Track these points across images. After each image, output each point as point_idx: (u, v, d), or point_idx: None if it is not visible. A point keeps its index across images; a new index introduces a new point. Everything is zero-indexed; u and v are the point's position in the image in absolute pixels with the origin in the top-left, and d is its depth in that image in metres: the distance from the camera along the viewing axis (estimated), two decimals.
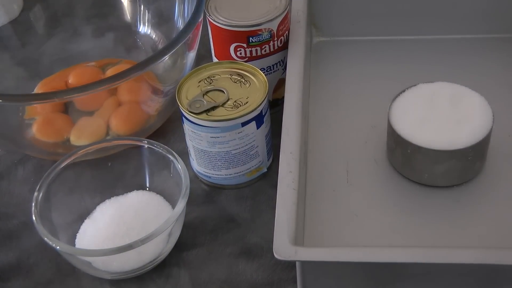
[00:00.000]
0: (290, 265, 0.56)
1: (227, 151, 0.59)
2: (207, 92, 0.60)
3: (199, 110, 0.58)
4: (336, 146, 0.64)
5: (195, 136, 0.59)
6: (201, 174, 0.63)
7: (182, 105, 0.59)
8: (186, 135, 0.61)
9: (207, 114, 0.58)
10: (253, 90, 0.60)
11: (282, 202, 0.50)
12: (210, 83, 0.61)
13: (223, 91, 0.60)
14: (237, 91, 0.60)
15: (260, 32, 0.63)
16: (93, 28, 0.81)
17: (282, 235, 0.48)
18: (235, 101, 0.59)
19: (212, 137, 0.58)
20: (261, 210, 0.61)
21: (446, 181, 0.59)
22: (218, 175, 0.62)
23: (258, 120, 0.59)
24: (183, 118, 0.60)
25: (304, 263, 0.49)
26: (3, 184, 0.66)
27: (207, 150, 0.60)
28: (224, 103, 0.59)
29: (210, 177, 0.63)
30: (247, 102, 0.59)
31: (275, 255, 0.47)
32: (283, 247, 0.47)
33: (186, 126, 0.60)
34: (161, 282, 0.56)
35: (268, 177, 0.64)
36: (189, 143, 0.61)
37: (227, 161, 0.60)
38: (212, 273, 0.56)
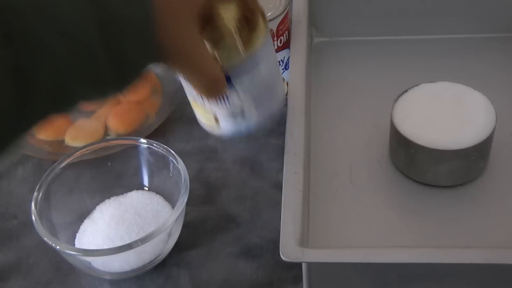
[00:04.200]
0: (289, 265, 0.55)
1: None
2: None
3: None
4: (338, 146, 0.64)
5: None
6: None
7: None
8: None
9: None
10: None
11: (288, 203, 0.50)
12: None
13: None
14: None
15: None
16: None
17: (289, 236, 0.47)
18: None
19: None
20: (260, 210, 0.61)
21: (449, 180, 0.59)
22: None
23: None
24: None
25: (310, 264, 0.48)
26: (3, 184, 0.66)
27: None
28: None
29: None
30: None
31: (282, 257, 0.46)
32: (290, 249, 0.46)
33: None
34: (161, 282, 0.56)
35: (268, 177, 0.64)
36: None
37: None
38: (212, 273, 0.56)
